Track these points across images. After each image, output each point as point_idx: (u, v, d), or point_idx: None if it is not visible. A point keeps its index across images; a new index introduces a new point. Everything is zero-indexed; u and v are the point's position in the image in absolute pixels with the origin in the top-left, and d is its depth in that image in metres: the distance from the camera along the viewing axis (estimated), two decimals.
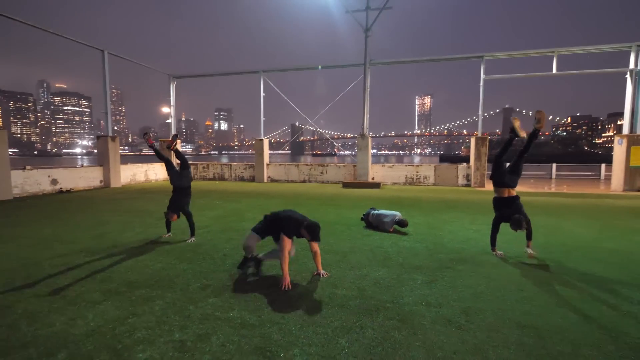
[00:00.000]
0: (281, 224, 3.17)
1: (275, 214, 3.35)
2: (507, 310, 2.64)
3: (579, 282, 3.22)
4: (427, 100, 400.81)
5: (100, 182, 12.54)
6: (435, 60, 15.24)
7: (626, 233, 5.31)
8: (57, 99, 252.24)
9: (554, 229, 5.40)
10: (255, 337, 2.26)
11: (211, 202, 8.57)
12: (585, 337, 2.25)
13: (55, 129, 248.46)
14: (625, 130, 12.91)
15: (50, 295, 2.91)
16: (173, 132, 17.82)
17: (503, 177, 3.97)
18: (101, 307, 2.68)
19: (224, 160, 38.25)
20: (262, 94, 15.89)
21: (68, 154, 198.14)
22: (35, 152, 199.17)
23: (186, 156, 5.27)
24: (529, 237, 3.99)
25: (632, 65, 12.64)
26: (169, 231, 5.02)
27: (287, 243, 3.09)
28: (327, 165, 15.30)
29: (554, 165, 18.61)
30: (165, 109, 18.10)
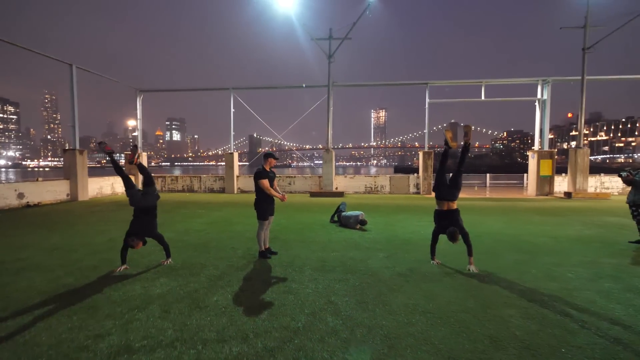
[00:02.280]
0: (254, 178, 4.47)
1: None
2: (435, 267, 4.18)
3: (481, 252, 4.90)
4: (382, 113, 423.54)
5: (67, 195, 12.42)
6: (388, 85, 17.58)
7: (523, 224, 7.38)
8: None
9: (475, 223, 7.29)
10: (280, 286, 3.51)
11: (194, 212, 9.36)
12: (479, 277, 3.83)
13: None
14: (536, 146, 16.15)
15: (116, 276, 3.81)
16: (139, 145, 17.79)
17: (443, 190, 4.05)
18: (161, 281, 3.69)
19: (177, 172, 37.56)
20: (232, 110, 16.83)
21: None
22: None
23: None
24: (470, 253, 4.05)
25: (539, 95, 15.97)
26: (124, 262, 4.12)
27: (264, 183, 4.38)
28: (295, 177, 16.58)
29: (488, 175, 22.07)
30: (131, 122, 18.07)
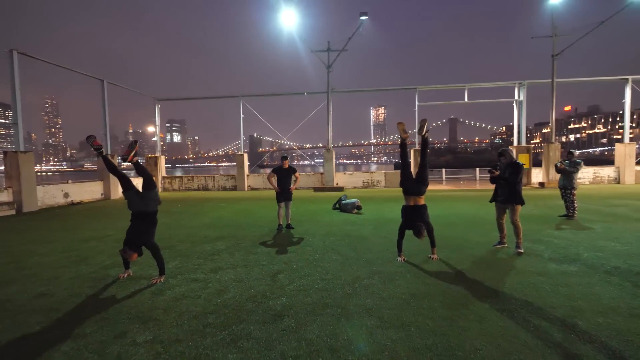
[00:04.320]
0: None
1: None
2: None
3: (443, 224, 6.66)
4: (382, 110, 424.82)
5: (102, 195, 14.23)
6: (381, 90, 19.40)
7: (488, 207, 9.09)
8: None
9: (449, 207, 9.04)
10: (300, 243, 5.32)
11: (218, 205, 11.14)
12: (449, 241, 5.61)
13: None
14: (515, 142, 17.88)
15: (186, 242, 5.58)
16: (158, 149, 19.56)
17: (410, 185, 4.09)
18: (219, 242, 5.49)
19: (178, 173, 39.56)
20: (242, 116, 18.59)
21: None
22: None
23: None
24: (433, 244, 4.31)
25: (516, 97, 17.70)
26: (127, 268, 3.87)
27: (269, 176, 6.47)
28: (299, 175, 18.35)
29: (477, 169, 23.85)
30: (150, 129, 19.83)
